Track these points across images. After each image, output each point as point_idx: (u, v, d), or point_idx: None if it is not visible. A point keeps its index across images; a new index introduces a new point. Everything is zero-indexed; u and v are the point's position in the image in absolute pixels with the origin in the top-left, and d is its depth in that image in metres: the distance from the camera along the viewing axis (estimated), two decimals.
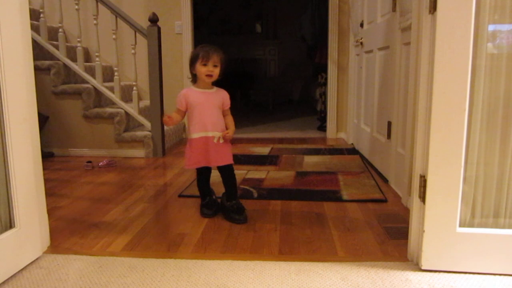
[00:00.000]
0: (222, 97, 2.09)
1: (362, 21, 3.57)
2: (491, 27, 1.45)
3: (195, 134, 2.05)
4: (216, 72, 2.00)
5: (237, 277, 1.49)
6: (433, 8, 1.41)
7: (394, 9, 2.57)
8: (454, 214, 1.47)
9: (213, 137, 2.04)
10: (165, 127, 3.75)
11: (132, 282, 1.47)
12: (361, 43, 3.56)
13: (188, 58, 2.06)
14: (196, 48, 2.05)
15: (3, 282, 1.47)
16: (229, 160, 2.11)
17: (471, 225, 1.51)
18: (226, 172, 2.13)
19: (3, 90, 1.48)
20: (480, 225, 1.52)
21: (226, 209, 2.10)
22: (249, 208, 2.19)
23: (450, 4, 1.37)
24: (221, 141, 2.05)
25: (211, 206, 2.16)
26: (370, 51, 3.26)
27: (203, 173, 2.18)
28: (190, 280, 1.48)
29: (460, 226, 1.48)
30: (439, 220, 1.48)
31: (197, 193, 2.25)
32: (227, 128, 2.10)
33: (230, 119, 2.15)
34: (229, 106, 2.13)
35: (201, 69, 1.99)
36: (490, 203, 1.52)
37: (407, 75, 2.27)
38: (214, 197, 2.22)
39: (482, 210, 1.52)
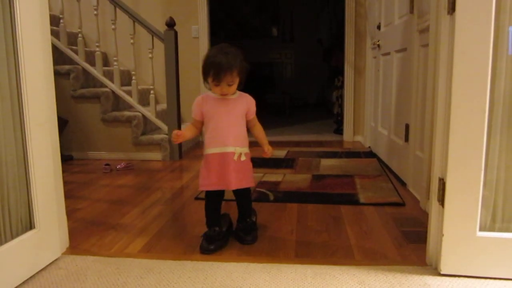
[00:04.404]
0: (246, 103, 1.77)
1: (379, 23, 3.55)
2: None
3: (211, 149, 1.73)
4: (231, 89, 1.69)
5: (253, 280, 1.49)
6: (451, 8, 1.39)
7: (411, 11, 2.55)
8: (474, 218, 1.44)
9: (233, 154, 1.71)
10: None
11: (149, 283, 1.48)
12: (378, 45, 3.53)
13: (202, 62, 1.71)
14: (209, 54, 1.68)
15: (23, 282, 1.49)
16: (251, 182, 1.80)
17: (491, 229, 1.48)
18: (243, 195, 1.85)
19: (24, 94, 1.51)
20: (501, 230, 1.48)
21: (238, 225, 1.87)
22: (265, 211, 2.19)
23: (469, 5, 1.35)
24: (243, 158, 1.74)
25: (213, 239, 1.74)
26: (388, 54, 3.23)
27: (212, 199, 1.81)
28: (207, 282, 1.48)
29: (480, 230, 1.45)
30: (458, 224, 1.45)
31: None
32: (260, 143, 1.87)
33: (260, 129, 1.86)
34: (255, 114, 1.82)
35: (213, 87, 1.70)
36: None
37: (425, 78, 2.24)
38: (222, 228, 1.80)
39: (503, 215, 1.49)
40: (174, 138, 1.71)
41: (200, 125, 1.80)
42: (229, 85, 1.67)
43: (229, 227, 1.88)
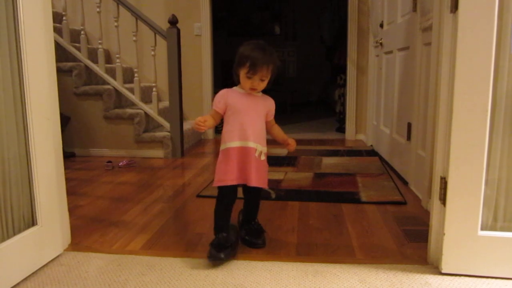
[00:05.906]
0: (268, 105, 1.75)
1: (382, 21, 3.54)
2: None
3: (232, 143, 1.66)
4: (262, 86, 1.66)
5: (254, 278, 1.49)
6: (454, 7, 1.39)
7: (414, 9, 2.54)
8: (476, 217, 1.44)
9: (254, 149, 1.66)
10: (184, 128, 3.77)
11: (150, 280, 1.48)
12: (381, 44, 3.53)
13: (237, 53, 1.65)
14: (246, 47, 1.65)
15: (25, 279, 1.50)
16: (266, 184, 1.75)
17: (493, 228, 1.48)
18: (255, 195, 1.81)
19: (27, 91, 1.51)
20: (503, 229, 1.48)
21: (243, 230, 1.82)
22: (266, 209, 2.19)
23: (472, 3, 1.35)
24: (262, 157, 1.69)
25: (222, 246, 1.62)
26: (390, 52, 3.23)
27: (227, 197, 1.72)
28: (208, 279, 1.48)
29: (481, 229, 1.45)
30: (460, 223, 1.45)
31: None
32: (281, 140, 1.81)
33: (278, 128, 1.82)
34: (273, 116, 1.79)
35: (244, 80, 1.64)
36: None
37: (428, 76, 2.24)
38: (230, 236, 1.69)
39: (504, 214, 1.49)
40: (199, 126, 1.60)
41: (219, 118, 1.72)
42: (262, 80, 1.64)
43: (237, 238, 1.80)
